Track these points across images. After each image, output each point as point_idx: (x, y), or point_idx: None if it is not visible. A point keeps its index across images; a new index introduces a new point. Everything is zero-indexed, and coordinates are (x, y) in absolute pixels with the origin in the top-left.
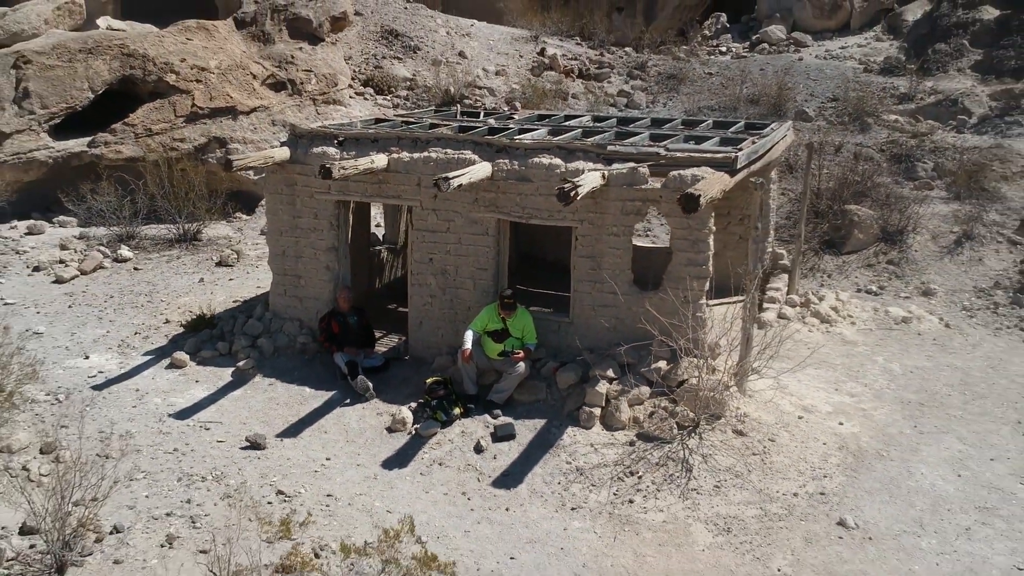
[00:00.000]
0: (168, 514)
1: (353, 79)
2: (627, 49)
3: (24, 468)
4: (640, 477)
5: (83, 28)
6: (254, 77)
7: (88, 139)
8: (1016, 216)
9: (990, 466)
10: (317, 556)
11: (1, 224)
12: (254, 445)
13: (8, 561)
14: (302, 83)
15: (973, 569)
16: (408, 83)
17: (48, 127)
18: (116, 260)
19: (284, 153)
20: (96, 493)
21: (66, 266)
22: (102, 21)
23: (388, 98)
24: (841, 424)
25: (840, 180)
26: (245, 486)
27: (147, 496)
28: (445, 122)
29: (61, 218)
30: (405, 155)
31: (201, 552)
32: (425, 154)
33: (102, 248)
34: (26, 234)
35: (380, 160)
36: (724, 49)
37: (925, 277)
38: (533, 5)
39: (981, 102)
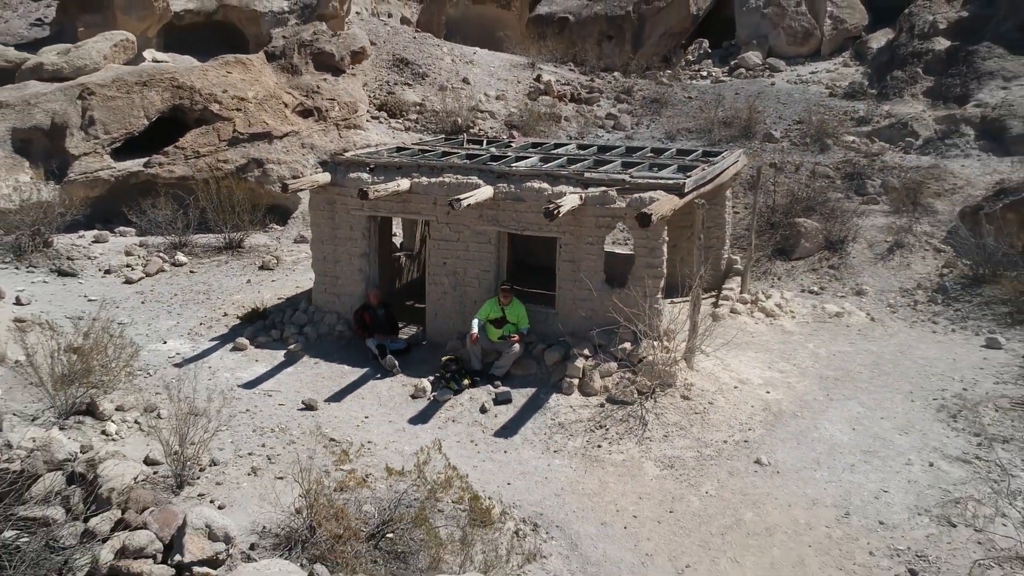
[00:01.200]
0: (250, 453)
1: (368, 104)
2: (615, 74)
3: (136, 422)
4: (607, 429)
5: (133, 62)
6: (286, 106)
7: (144, 160)
8: (944, 228)
9: (879, 423)
10: (365, 480)
11: (71, 234)
12: (308, 406)
13: (139, 480)
14: (327, 111)
15: (850, 492)
16: (418, 107)
17: (110, 150)
18: (174, 264)
19: (326, 177)
20: (198, 437)
21: (133, 270)
22: (147, 54)
23: (400, 121)
24: (768, 392)
25: (792, 195)
26: (319, 428)
27: (231, 442)
28: (455, 150)
29: (121, 228)
30: (424, 180)
31: (278, 478)
32: (440, 179)
33: (161, 254)
34: (93, 242)
35: (404, 184)
36: (705, 73)
37: (860, 279)
38: (530, 33)
39: (927, 125)
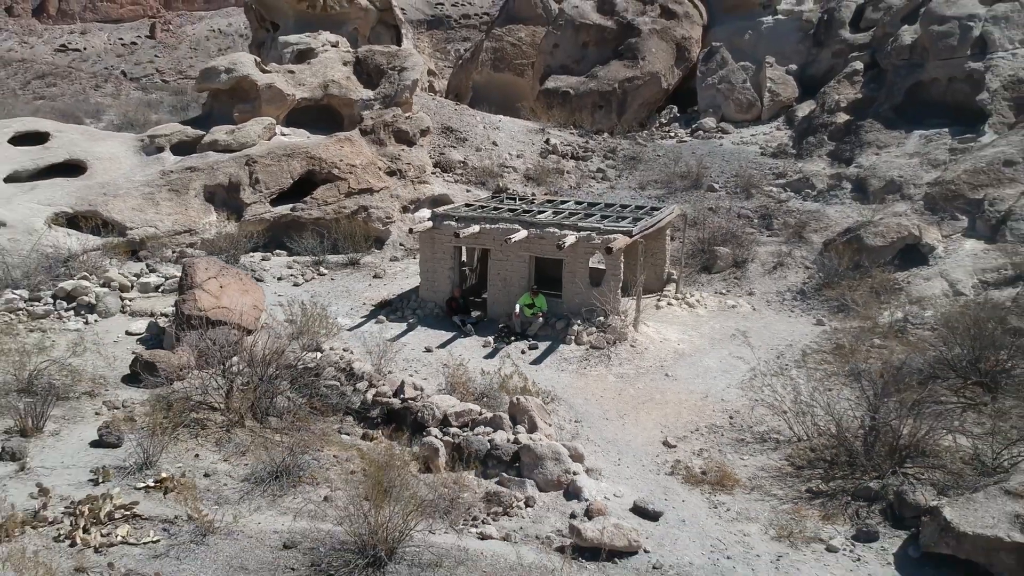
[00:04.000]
0: (404, 369)
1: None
2: (605, 135)
3: (341, 357)
4: (589, 361)
5: (271, 137)
6: (379, 169)
7: (291, 206)
8: (813, 253)
9: (736, 359)
10: (470, 379)
11: (245, 255)
12: (427, 350)
13: (359, 371)
14: (405, 172)
15: (710, 388)
16: (462, 164)
17: (269, 200)
18: (319, 275)
19: (430, 224)
20: (384, 357)
21: (296, 278)
22: (277, 129)
23: (451, 175)
24: (679, 344)
25: (715, 231)
26: (451, 353)
27: (395, 363)
28: (501, 206)
29: (277, 251)
30: (487, 226)
31: (423, 379)
32: (496, 226)
33: (309, 268)
34: (261, 260)
35: (476, 228)
36: (673, 134)
37: (752, 286)
38: (540, 104)
39: (823, 180)
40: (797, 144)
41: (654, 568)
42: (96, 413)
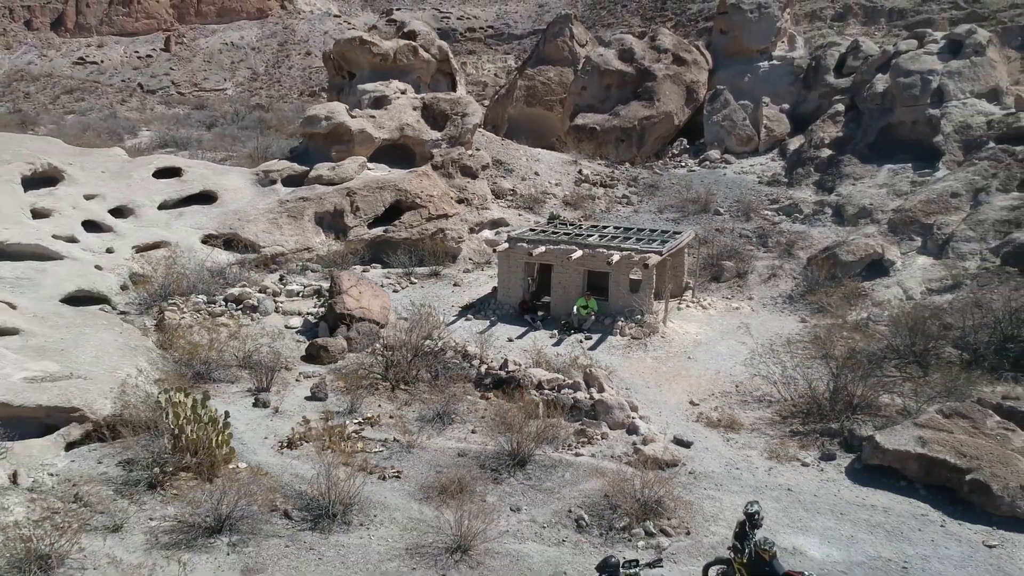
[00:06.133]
0: (499, 352)
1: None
2: (627, 165)
3: (456, 343)
4: (631, 348)
5: (362, 172)
6: (451, 198)
7: (383, 228)
8: (800, 266)
9: (740, 344)
10: (548, 360)
11: (348, 267)
12: (510, 339)
13: (472, 353)
14: (470, 200)
15: (721, 366)
16: (511, 192)
17: (366, 223)
18: (410, 283)
19: (506, 245)
20: (482, 344)
21: (394, 286)
22: (364, 165)
23: (503, 201)
24: (697, 335)
25: (722, 248)
26: (534, 343)
27: (492, 348)
28: (557, 230)
29: (374, 264)
30: (551, 247)
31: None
32: (557, 247)
33: (402, 278)
34: (363, 272)
35: (542, 249)
36: (684, 164)
37: (751, 292)
38: (571, 138)
39: (809, 205)
40: (789, 174)
41: (690, 473)
42: (296, 380)
